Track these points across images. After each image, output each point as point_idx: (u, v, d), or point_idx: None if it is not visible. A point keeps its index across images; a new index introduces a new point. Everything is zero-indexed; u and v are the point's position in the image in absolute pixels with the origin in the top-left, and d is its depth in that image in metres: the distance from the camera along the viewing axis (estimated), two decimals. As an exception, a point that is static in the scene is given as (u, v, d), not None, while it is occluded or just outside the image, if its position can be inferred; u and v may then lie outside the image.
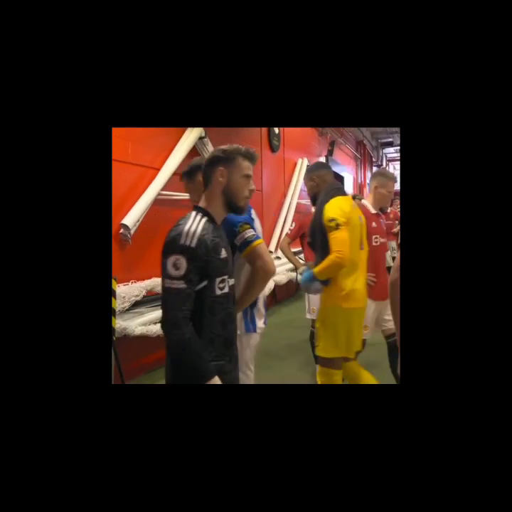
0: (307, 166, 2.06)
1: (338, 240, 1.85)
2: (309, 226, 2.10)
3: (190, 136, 3.66)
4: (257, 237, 1.47)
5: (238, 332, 1.57)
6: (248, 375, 1.67)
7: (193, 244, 1.13)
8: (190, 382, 1.14)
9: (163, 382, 2.97)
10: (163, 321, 1.16)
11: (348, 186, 10.65)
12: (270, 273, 1.49)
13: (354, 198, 4.52)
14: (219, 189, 1.25)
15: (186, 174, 1.68)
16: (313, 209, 2.21)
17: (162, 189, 3.27)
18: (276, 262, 5.30)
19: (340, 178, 9.91)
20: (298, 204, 6.39)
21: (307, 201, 7.12)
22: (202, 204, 1.26)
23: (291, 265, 5.68)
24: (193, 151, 3.75)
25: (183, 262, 1.11)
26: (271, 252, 5.37)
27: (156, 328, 3.01)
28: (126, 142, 3.06)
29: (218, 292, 1.20)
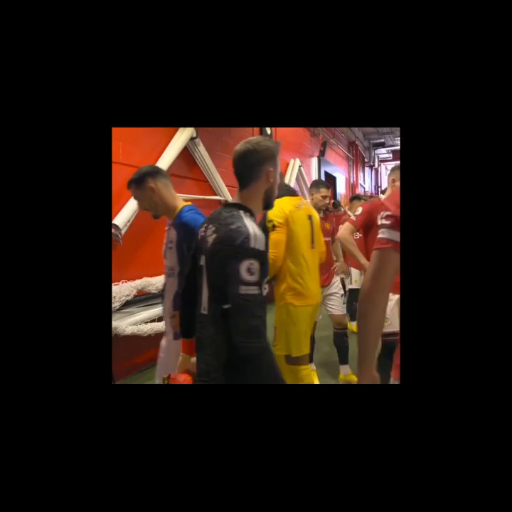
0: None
1: (273, 241, 1.94)
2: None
3: (182, 136, 3.62)
4: None
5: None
6: None
7: (262, 248, 1.09)
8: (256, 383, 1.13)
9: (153, 381, 2.95)
10: (240, 330, 1.07)
11: (341, 186, 10.66)
12: None
13: (359, 198, 4.47)
14: (264, 188, 1.21)
15: (135, 181, 1.63)
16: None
17: (153, 189, 3.24)
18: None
19: (332, 179, 9.91)
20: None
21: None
22: (243, 202, 1.19)
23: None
24: (185, 152, 3.72)
25: (257, 267, 1.06)
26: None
27: (147, 328, 2.98)
28: (117, 142, 3.03)
29: (264, 293, 1.14)
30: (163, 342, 1.82)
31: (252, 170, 1.20)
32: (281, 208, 2.02)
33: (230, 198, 4.34)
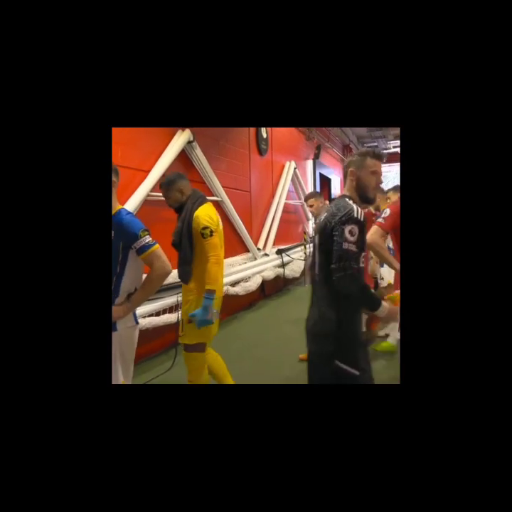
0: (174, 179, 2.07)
1: (212, 246, 2.06)
2: (176, 231, 2.18)
3: (179, 140, 3.65)
4: (155, 243, 1.66)
5: (129, 324, 1.71)
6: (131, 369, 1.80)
7: (362, 219, 1.35)
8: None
9: (149, 373, 2.98)
10: (341, 275, 1.31)
11: (336, 187, 10.69)
12: (168, 271, 1.66)
13: (396, 189, 4.11)
14: (353, 185, 1.51)
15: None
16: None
17: (151, 190, 3.27)
18: (264, 259, 5.31)
19: (327, 180, 9.93)
20: (285, 204, 6.40)
21: (296, 201, 7.16)
22: (347, 193, 1.51)
23: (278, 261, 5.72)
24: (182, 154, 3.75)
25: (356, 231, 1.33)
26: (259, 249, 5.38)
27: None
28: (116, 146, 3.06)
29: (361, 265, 1.39)
30: None
31: (345, 171, 1.56)
32: (210, 214, 2.10)
33: (225, 198, 4.37)
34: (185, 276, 2.17)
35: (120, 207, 1.73)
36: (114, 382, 1.65)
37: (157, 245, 1.66)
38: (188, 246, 2.11)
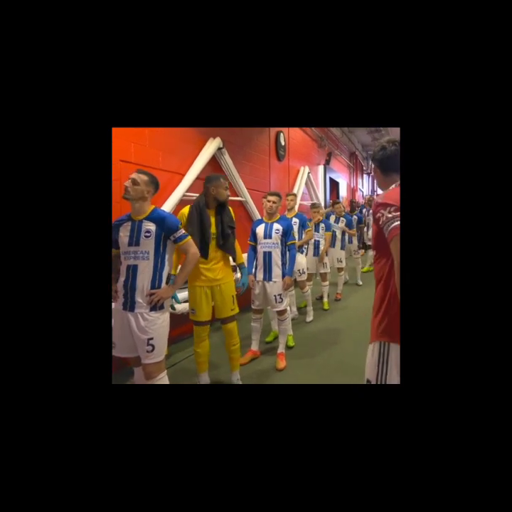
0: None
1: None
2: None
3: (210, 146, 3.63)
4: (188, 234, 1.81)
5: (169, 304, 1.79)
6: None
7: None
8: None
9: (182, 352, 2.97)
10: None
11: (343, 190, 10.53)
12: (198, 256, 1.84)
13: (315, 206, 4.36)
14: None
15: (150, 176, 1.79)
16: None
17: (187, 191, 3.26)
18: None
19: (336, 184, 9.78)
20: (300, 205, 6.33)
21: (308, 202, 7.07)
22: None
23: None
24: (213, 160, 3.73)
25: None
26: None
27: (181, 307, 3.05)
28: (157, 151, 3.06)
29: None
30: (131, 319, 1.70)
31: None
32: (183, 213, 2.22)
33: (249, 199, 4.34)
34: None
35: (154, 206, 1.78)
36: (161, 355, 1.69)
37: (190, 237, 1.78)
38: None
